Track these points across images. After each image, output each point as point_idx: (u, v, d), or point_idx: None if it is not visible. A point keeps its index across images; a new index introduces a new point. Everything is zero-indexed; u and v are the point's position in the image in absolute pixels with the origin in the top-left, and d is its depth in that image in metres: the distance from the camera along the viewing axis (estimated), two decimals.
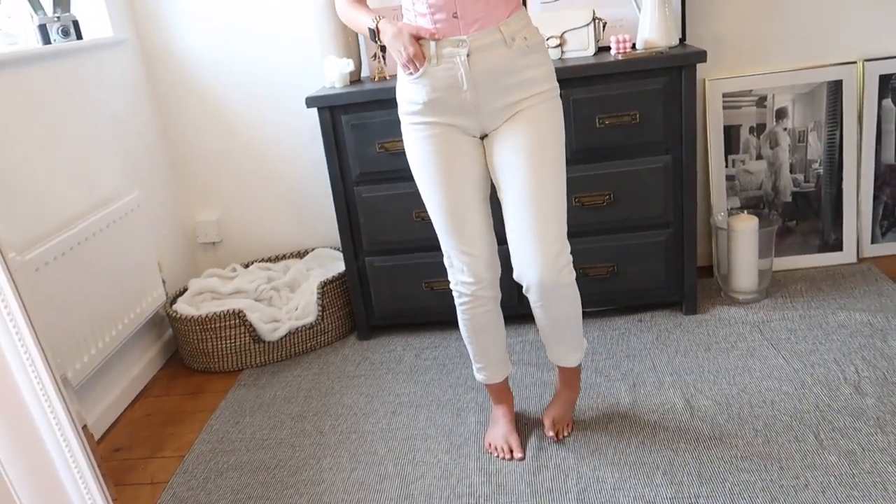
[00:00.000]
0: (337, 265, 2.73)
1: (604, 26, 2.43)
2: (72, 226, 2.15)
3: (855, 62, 2.53)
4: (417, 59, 1.59)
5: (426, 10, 1.57)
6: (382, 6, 2.50)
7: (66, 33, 2.38)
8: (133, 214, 2.42)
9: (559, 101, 1.68)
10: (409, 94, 1.66)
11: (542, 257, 1.63)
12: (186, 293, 2.62)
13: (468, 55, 1.57)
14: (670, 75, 2.23)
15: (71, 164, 2.26)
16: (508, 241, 1.70)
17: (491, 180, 1.74)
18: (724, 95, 2.59)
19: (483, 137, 1.70)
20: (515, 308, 2.43)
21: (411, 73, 1.62)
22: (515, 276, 1.71)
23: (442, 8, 1.56)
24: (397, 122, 1.75)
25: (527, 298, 1.73)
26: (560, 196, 1.66)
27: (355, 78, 2.54)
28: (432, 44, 1.58)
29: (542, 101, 1.64)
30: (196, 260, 2.98)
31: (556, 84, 1.68)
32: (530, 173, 1.61)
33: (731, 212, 2.61)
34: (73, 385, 2.04)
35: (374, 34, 1.64)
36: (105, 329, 2.23)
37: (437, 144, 1.67)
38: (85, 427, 1.43)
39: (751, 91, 2.59)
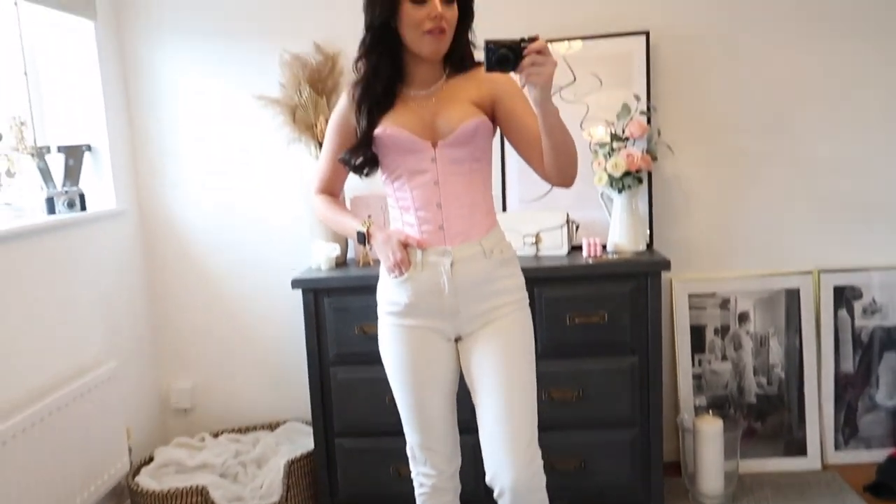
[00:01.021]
0: (307, 441, 2.71)
1: (576, 228, 2.60)
2: (44, 397, 2.16)
3: (811, 272, 2.70)
4: (403, 265, 1.70)
5: (415, 221, 1.71)
6: (370, 193, 2.64)
7: (71, 205, 2.51)
8: (108, 384, 2.44)
9: (528, 311, 1.79)
10: (392, 295, 1.75)
11: (516, 464, 1.67)
12: (152, 464, 2.58)
13: (451, 264, 1.69)
14: (637, 280, 2.37)
15: (55, 333, 2.32)
16: (482, 446, 1.74)
17: (461, 376, 1.81)
18: (690, 296, 2.73)
19: (457, 340, 1.79)
20: (482, 500, 2.40)
21: (396, 276, 1.72)
22: (488, 479, 1.73)
23: (430, 221, 1.70)
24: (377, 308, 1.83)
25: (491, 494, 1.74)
26: (532, 405, 1.73)
27: (341, 261, 2.67)
28: (419, 251, 1.70)
29: (515, 311, 1.75)
30: (166, 425, 2.96)
31: (526, 294, 1.79)
32: (505, 385, 1.68)
33: (698, 411, 2.67)
34: None
35: (364, 238, 1.75)
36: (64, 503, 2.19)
37: (412, 347, 1.75)
38: None
39: (714, 294, 2.73)
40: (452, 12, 1.61)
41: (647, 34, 2.58)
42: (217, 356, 2.93)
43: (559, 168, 1.63)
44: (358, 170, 1.73)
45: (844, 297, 2.69)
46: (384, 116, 1.68)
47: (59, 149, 2.54)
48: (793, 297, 2.70)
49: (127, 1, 2.77)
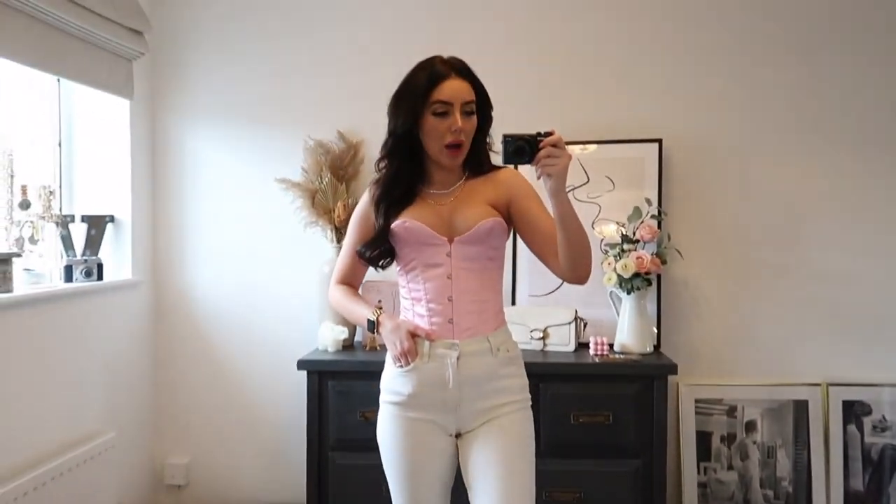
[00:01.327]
0: None
1: (584, 326, 2.61)
2: (41, 465, 2.15)
3: (819, 384, 2.67)
4: (410, 355, 1.70)
5: (425, 312, 1.73)
6: (381, 279, 2.66)
7: (88, 274, 2.56)
8: (105, 455, 2.41)
9: (531, 412, 1.77)
10: (395, 384, 1.74)
11: None
12: None
13: (458, 358, 1.69)
14: (643, 382, 2.36)
15: (58, 401, 2.32)
16: None
17: (458, 471, 1.78)
18: (697, 401, 2.70)
19: (457, 436, 1.76)
20: None
21: (402, 366, 1.72)
22: None
23: (440, 313, 1.71)
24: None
25: None
26: None
27: (348, 343, 2.68)
28: (426, 342, 1.71)
29: (517, 411, 1.73)
30: (158, 501, 2.90)
31: (529, 395, 1.78)
32: (502, 490, 1.65)
33: None
34: None
35: (373, 326, 1.76)
36: None
37: (411, 438, 1.73)
38: None
39: (721, 400, 2.70)
40: (471, 124, 1.69)
41: (660, 142, 2.67)
42: (216, 433, 2.90)
43: (573, 262, 1.65)
44: (373, 262, 1.78)
45: (853, 412, 2.66)
46: (403, 211, 1.73)
47: (83, 218, 2.61)
48: (801, 408, 2.66)
49: (163, 83, 2.91)
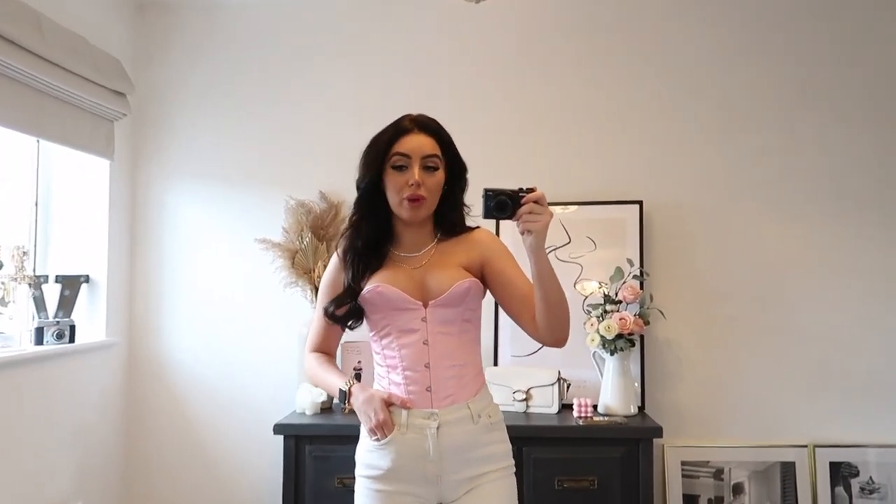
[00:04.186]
0: None
1: (568, 387, 2.57)
2: None
3: (806, 446, 2.64)
4: (386, 427, 1.62)
5: (401, 380, 1.66)
6: (361, 339, 2.61)
7: (60, 336, 2.49)
8: None
9: (514, 479, 1.71)
10: (372, 458, 1.66)
11: None
12: None
13: (438, 427, 1.63)
14: (628, 445, 2.31)
15: (26, 468, 2.23)
16: None
17: None
18: (683, 463, 2.65)
19: None
20: None
21: (378, 440, 1.64)
22: None
23: (417, 381, 1.65)
24: None
25: None
26: None
27: (326, 406, 2.61)
28: (403, 412, 1.63)
29: (500, 478, 1.67)
30: None
31: (513, 462, 1.72)
32: None
33: None
34: None
35: (345, 397, 1.68)
36: None
37: None
38: None
39: (708, 462, 2.65)
40: (433, 179, 1.66)
41: (641, 203, 2.69)
42: (188, 501, 2.79)
43: (551, 323, 1.61)
44: (342, 321, 1.71)
45: (841, 473, 2.62)
46: (374, 275, 1.68)
47: (57, 278, 2.56)
48: (788, 470, 2.62)
49: (144, 143, 2.90)
